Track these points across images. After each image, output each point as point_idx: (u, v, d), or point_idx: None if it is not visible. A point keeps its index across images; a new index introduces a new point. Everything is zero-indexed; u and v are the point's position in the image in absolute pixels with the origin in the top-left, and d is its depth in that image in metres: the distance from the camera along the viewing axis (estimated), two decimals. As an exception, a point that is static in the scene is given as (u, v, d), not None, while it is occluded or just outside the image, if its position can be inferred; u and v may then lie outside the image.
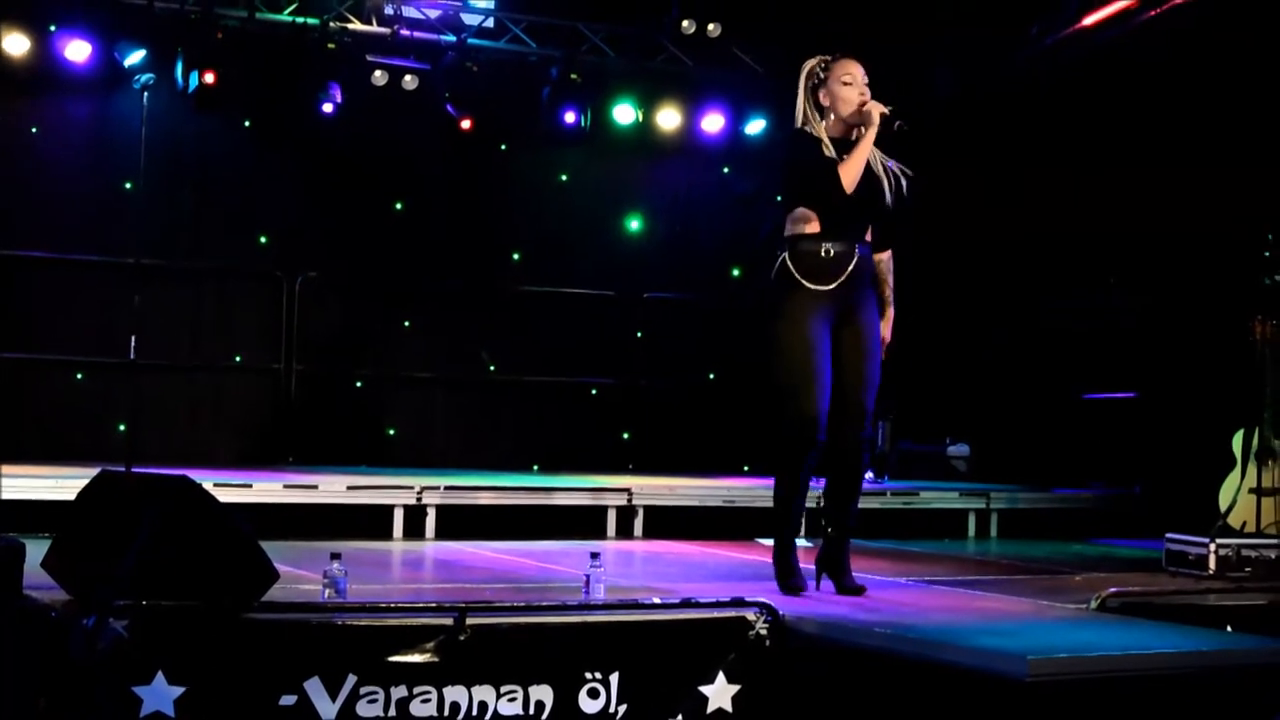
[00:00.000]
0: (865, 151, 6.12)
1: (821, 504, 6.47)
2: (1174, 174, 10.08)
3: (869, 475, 10.63)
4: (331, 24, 10.81)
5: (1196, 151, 9.92)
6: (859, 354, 6.20)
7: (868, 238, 6.27)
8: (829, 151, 6.16)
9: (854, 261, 6.15)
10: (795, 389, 6.11)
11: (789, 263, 6.16)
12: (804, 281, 6.11)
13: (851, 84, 6.20)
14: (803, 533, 6.37)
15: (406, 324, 11.71)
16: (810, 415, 6.08)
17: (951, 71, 11.21)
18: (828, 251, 6.13)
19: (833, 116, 6.24)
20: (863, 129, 6.18)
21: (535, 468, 11.37)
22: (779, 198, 6.41)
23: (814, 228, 6.16)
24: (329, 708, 4.82)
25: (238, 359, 11.21)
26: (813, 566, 6.36)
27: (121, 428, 10.37)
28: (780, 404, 6.20)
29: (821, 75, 6.25)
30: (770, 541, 6.48)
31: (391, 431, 11.65)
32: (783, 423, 6.18)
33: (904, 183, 6.32)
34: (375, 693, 4.90)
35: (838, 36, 10.15)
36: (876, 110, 6.13)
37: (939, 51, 11.16)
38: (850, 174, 6.08)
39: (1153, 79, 10.03)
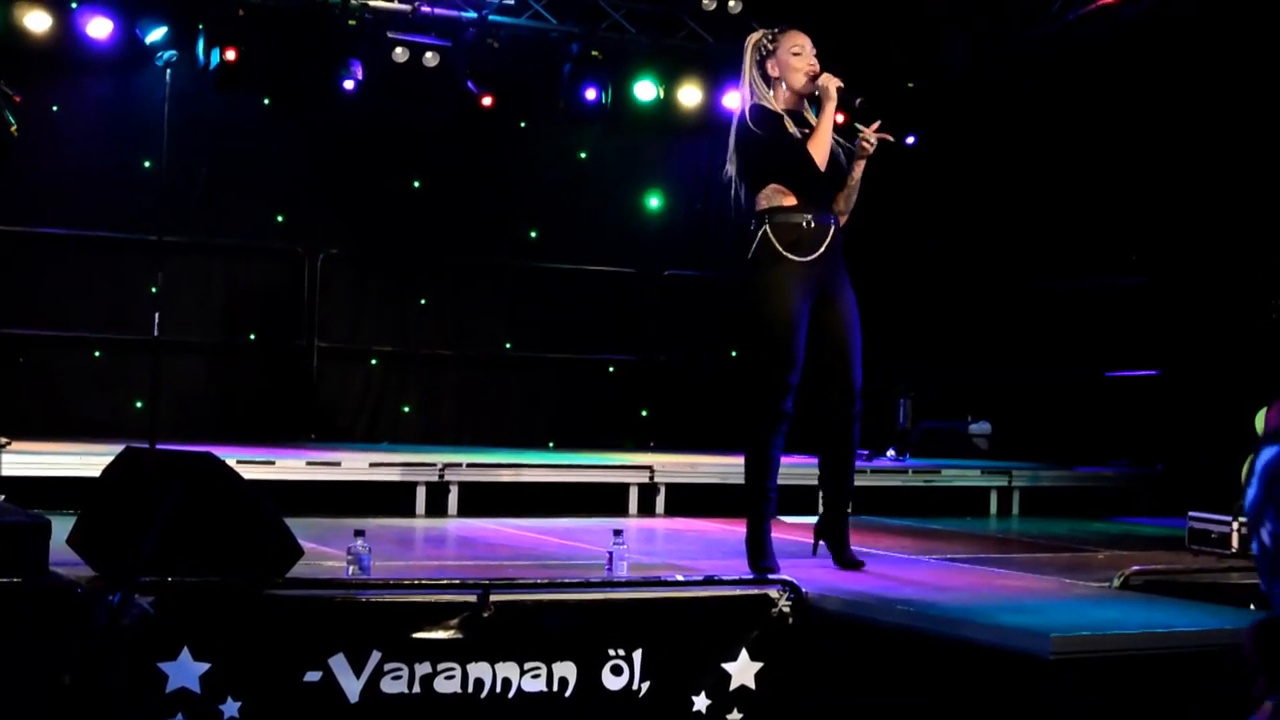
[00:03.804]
0: (829, 127, 6.11)
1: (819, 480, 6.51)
2: (1198, 151, 10.05)
3: (890, 453, 10.72)
4: (353, 1, 10.80)
5: (1220, 128, 9.88)
6: (842, 329, 6.22)
7: (835, 208, 6.29)
8: (790, 127, 6.17)
9: (831, 232, 6.19)
10: (770, 360, 6.10)
11: (770, 236, 6.14)
12: (786, 254, 6.11)
13: (800, 54, 6.19)
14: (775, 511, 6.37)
15: (423, 301, 11.71)
16: (781, 387, 6.08)
17: (969, 45, 11.17)
18: (808, 223, 6.14)
19: (783, 87, 6.22)
20: (818, 102, 6.19)
21: (551, 444, 11.37)
22: (744, 175, 6.32)
23: (790, 200, 6.16)
24: (353, 684, 4.84)
25: (252, 336, 11.21)
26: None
27: (138, 404, 10.41)
28: (753, 375, 6.21)
29: (769, 47, 6.23)
30: (793, 519, 6.49)
31: (408, 409, 11.66)
32: (753, 394, 6.19)
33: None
34: (400, 669, 4.91)
35: (854, 8, 10.18)
36: (833, 85, 6.13)
37: (957, 24, 11.12)
38: (820, 152, 6.09)
39: (1176, 53, 9.98)
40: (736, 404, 6.64)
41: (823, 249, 6.14)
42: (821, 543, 6.40)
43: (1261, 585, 2.23)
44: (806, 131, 6.15)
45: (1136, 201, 10.73)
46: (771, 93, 6.22)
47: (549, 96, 11.62)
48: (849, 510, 6.40)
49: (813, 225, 6.14)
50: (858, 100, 6.18)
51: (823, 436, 6.33)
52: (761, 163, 6.21)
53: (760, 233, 6.16)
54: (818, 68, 6.20)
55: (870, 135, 6.20)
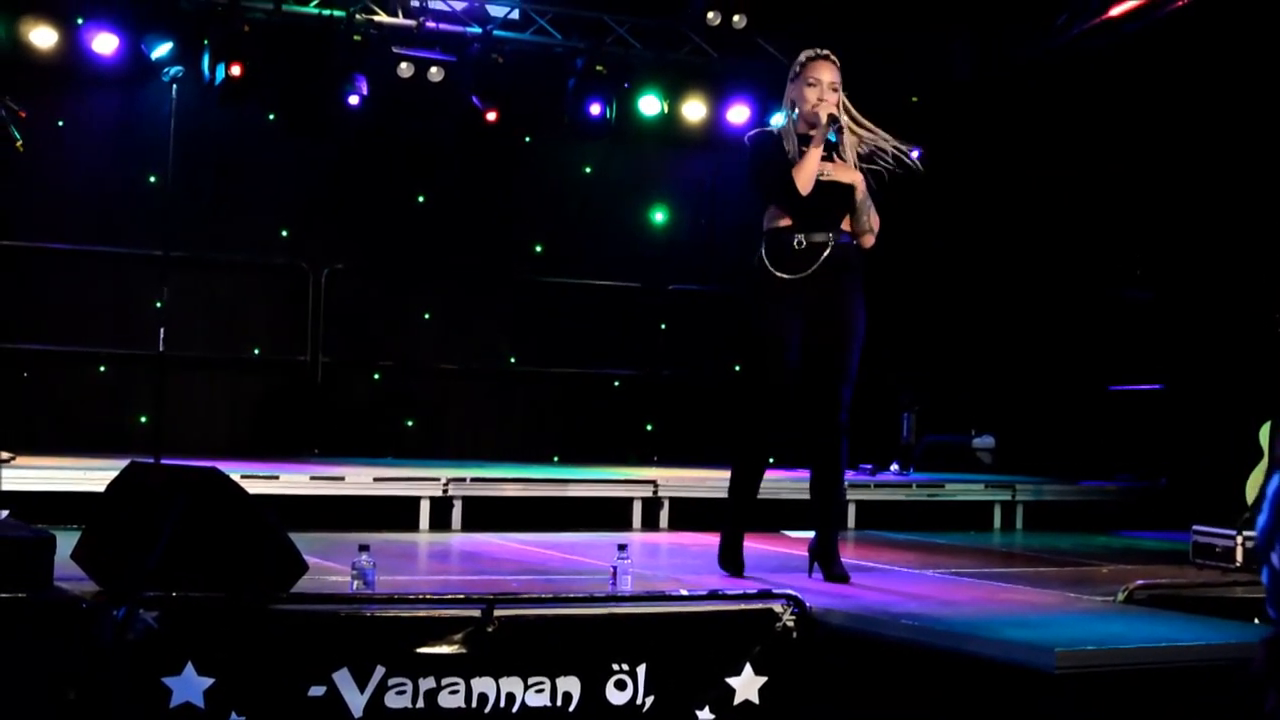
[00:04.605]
0: (815, 153, 6.23)
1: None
2: (1203, 164, 10.06)
3: (894, 467, 10.71)
4: (358, 16, 10.83)
5: (1224, 143, 9.89)
6: (835, 345, 6.32)
7: (844, 227, 6.35)
8: (790, 149, 6.29)
9: (827, 252, 6.27)
10: (756, 374, 6.30)
11: (764, 254, 6.34)
12: (776, 272, 6.28)
13: (814, 86, 6.31)
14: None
15: (427, 315, 11.72)
16: (767, 399, 6.24)
17: (972, 58, 11.19)
18: (799, 243, 6.28)
19: (797, 113, 6.37)
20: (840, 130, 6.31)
21: (555, 459, 11.37)
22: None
23: (785, 221, 6.33)
24: (358, 699, 4.83)
25: (256, 351, 11.22)
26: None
27: (143, 419, 10.42)
28: (741, 388, 6.41)
29: (797, 71, 6.39)
30: (797, 534, 6.53)
31: (412, 423, 11.67)
32: (740, 406, 6.36)
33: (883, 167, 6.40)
34: (404, 684, 4.90)
35: (859, 24, 10.19)
36: (824, 111, 6.25)
37: (960, 38, 11.14)
38: (803, 177, 6.20)
39: (1180, 69, 9.99)
40: (730, 417, 6.73)
41: (814, 268, 6.25)
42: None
43: (1270, 611, 2.23)
44: (824, 155, 6.25)
45: (1141, 215, 10.74)
46: (793, 115, 6.36)
47: (553, 111, 11.65)
48: (837, 526, 6.49)
49: (804, 245, 6.27)
50: (832, 126, 6.23)
51: (809, 452, 6.46)
52: (755, 185, 6.44)
53: (759, 251, 6.36)
54: (829, 100, 6.28)
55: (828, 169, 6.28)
